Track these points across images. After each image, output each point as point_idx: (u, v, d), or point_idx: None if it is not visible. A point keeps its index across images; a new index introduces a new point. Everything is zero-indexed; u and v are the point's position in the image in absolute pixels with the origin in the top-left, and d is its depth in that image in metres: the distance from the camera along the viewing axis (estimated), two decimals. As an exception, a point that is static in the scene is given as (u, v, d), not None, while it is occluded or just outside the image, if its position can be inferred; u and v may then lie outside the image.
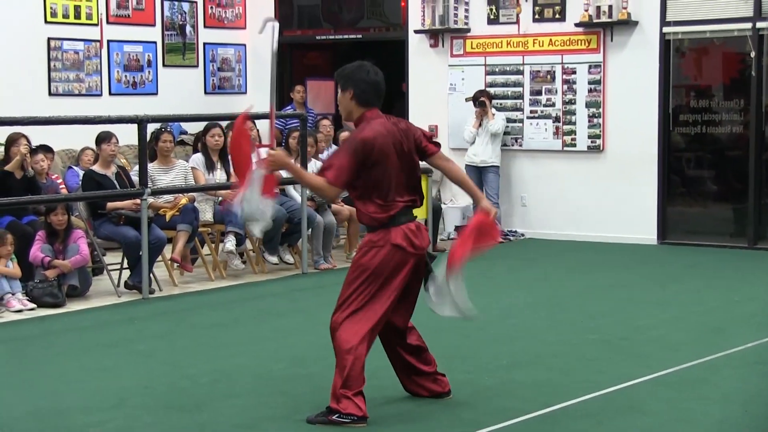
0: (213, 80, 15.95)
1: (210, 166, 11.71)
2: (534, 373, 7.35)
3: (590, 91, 13.82)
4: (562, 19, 13.94)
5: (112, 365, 7.77)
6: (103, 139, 10.86)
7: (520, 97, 14.28)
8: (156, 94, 15.01)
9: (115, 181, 10.78)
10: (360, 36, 15.98)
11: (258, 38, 15.47)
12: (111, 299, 10.34)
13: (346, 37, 16.10)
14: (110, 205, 10.66)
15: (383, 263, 6.22)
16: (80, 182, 11.16)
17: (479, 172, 14.05)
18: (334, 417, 6.17)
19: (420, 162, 6.49)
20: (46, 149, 11.36)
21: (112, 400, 6.78)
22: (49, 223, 10.24)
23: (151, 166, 11.02)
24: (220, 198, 11.62)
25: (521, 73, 14.25)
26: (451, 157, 14.70)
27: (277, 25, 7.01)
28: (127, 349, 8.27)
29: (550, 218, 14.19)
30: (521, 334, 8.60)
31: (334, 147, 13.54)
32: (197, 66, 15.71)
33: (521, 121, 14.30)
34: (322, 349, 8.06)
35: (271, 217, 6.37)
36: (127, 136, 12.32)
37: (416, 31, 14.84)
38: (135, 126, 10.54)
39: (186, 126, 15.03)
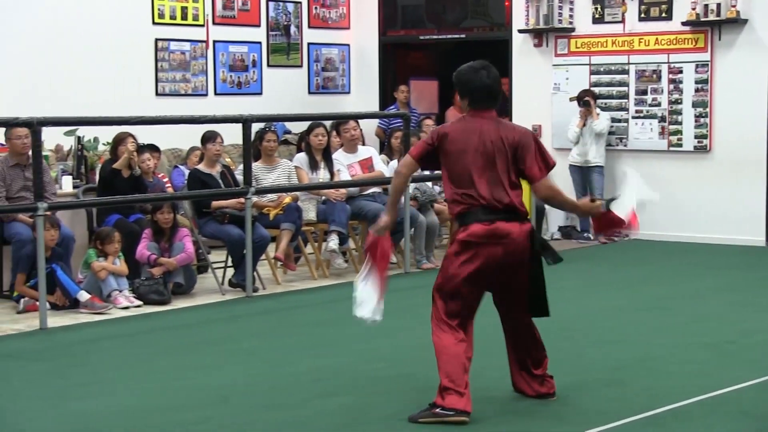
0: (317, 80, 16.03)
1: (313, 166, 11.77)
2: (639, 376, 7.25)
3: (697, 90, 13.60)
4: (669, 17, 13.74)
5: (216, 363, 7.85)
6: (208, 138, 10.97)
7: (625, 96, 14.11)
8: (260, 94, 15.14)
9: (220, 181, 10.89)
10: (464, 36, 15.93)
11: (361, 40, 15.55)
12: (215, 297, 10.44)
13: (449, 37, 16.07)
14: (215, 203, 10.77)
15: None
16: (186, 181, 11.30)
17: (583, 172, 13.92)
18: (437, 410, 6.17)
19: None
20: (152, 149, 11.51)
21: (214, 397, 6.85)
22: (156, 221, 10.38)
23: (256, 166, 11.11)
24: (324, 197, 11.68)
25: (626, 72, 14.08)
26: (556, 156, 14.62)
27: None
28: (231, 347, 8.34)
29: (655, 219, 13.96)
30: (626, 337, 8.49)
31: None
32: (301, 66, 15.81)
33: (626, 120, 14.13)
34: (423, 349, 8.04)
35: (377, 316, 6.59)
36: (231, 135, 12.44)
37: (520, 31, 14.75)
38: (240, 126, 10.63)
39: (290, 125, 15.13)
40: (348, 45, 16.37)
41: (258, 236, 10.57)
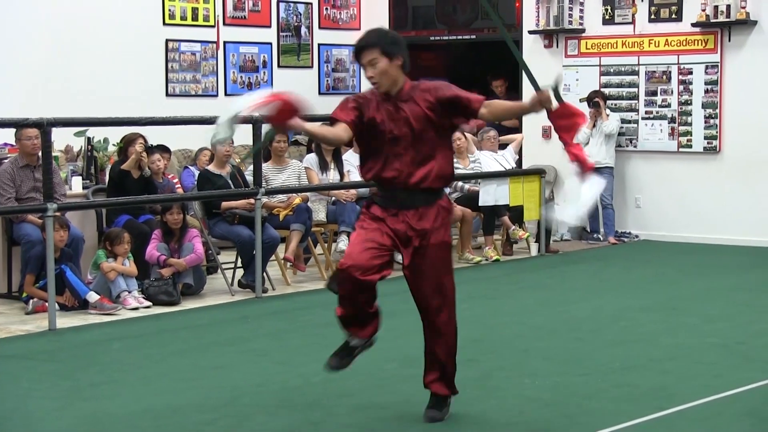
0: (327, 81, 16.04)
1: (323, 166, 11.78)
2: (649, 377, 7.23)
3: (707, 91, 13.58)
4: (679, 19, 13.73)
5: (226, 363, 7.85)
6: (218, 139, 10.96)
7: (635, 97, 14.09)
8: (270, 95, 15.12)
9: (230, 181, 10.90)
10: (474, 37, 15.92)
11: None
12: (225, 298, 10.45)
13: (460, 37, 16.06)
14: (225, 204, 10.78)
15: None
16: (196, 182, 11.31)
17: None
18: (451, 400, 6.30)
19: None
20: (163, 149, 11.52)
21: (225, 398, 6.84)
22: (165, 222, 10.39)
23: (266, 166, 11.11)
24: (334, 198, 11.68)
25: (636, 73, 14.06)
26: (566, 158, 14.61)
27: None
28: (241, 348, 8.34)
29: (665, 220, 13.98)
30: (636, 337, 8.47)
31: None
32: (312, 67, 15.82)
33: (636, 121, 14.11)
34: (433, 349, 8.05)
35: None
36: (241, 136, 12.43)
37: (530, 32, 14.74)
38: (250, 126, 10.63)
39: (300, 126, 15.11)
40: (358, 46, 16.33)
41: (268, 237, 10.57)
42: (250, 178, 10.96)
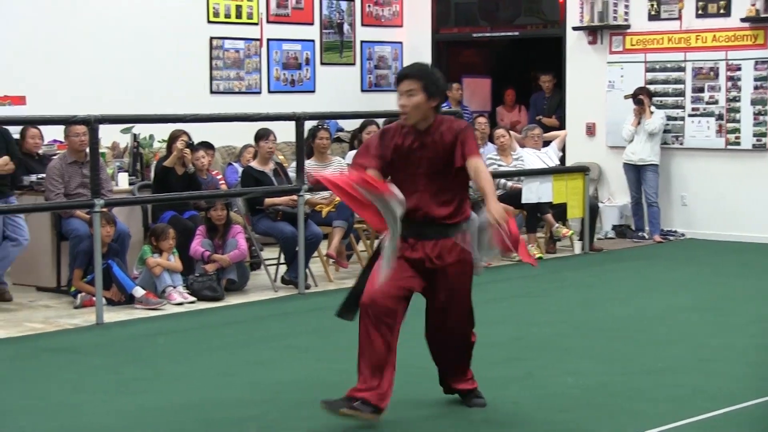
0: (369, 78, 16.05)
1: (366, 164, 11.77)
2: (694, 377, 7.18)
3: (756, 88, 13.46)
4: (727, 14, 13.61)
5: (268, 359, 7.87)
6: (261, 136, 11.02)
7: (681, 94, 13.99)
8: (313, 91, 15.18)
9: (273, 178, 10.93)
10: (517, 33, 15.88)
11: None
12: (268, 294, 10.48)
13: (503, 34, 16.02)
14: (268, 201, 10.81)
15: None
16: (239, 178, 11.35)
17: (637, 171, 13.83)
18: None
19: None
20: (207, 146, 11.58)
21: (267, 393, 6.87)
22: (209, 218, 10.44)
23: (308, 163, 11.14)
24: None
25: (683, 70, 13.96)
26: (610, 155, 14.59)
27: None
28: (283, 344, 8.36)
29: (712, 218, 13.87)
30: (681, 337, 8.42)
31: (490, 145, 13.49)
32: (354, 64, 15.83)
33: (682, 118, 14.01)
34: (477, 347, 8.02)
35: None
36: (284, 133, 12.49)
37: (574, 28, 14.67)
38: (293, 123, 10.66)
39: (343, 123, 15.16)
40: (401, 43, 16.36)
41: (310, 233, 10.59)
42: (293, 174, 10.99)
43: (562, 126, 14.75)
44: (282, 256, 10.95)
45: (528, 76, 16.89)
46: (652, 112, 13.73)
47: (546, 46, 15.56)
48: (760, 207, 13.48)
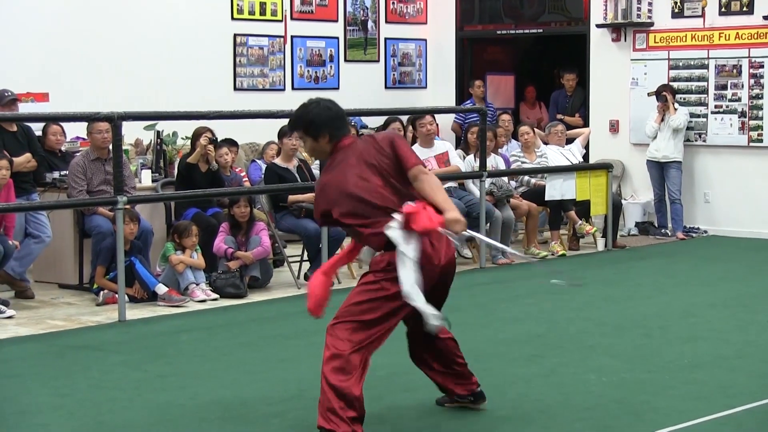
0: (394, 75, 16.06)
1: (389, 161, 11.77)
2: (717, 374, 7.16)
3: (779, 85, 13.43)
4: (750, 11, 13.57)
5: (292, 356, 7.89)
6: (285, 133, 11.03)
7: (704, 91, 13.95)
8: (337, 88, 15.19)
9: (297, 175, 10.94)
10: (541, 30, 15.86)
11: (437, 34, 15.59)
12: (291, 291, 10.50)
13: (527, 31, 16.00)
14: (292, 198, 10.83)
15: None
16: (263, 175, 11.37)
17: (661, 168, 13.80)
18: None
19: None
20: (230, 143, 11.61)
21: (292, 390, 6.89)
22: (233, 215, 10.46)
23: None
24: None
25: (706, 67, 13.92)
26: (633, 152, 14.56)
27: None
28: (307, 341, 8.37)
29: (735, 215, 13.83)
30: (704, 334, 8.40)
31: (513, 142, 13.48)
32: (378, 61, 15.84)
33: (705, 116, 13.97)
34: (499, 344, 8.04)
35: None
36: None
37: (598, 26, 14.64)
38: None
39: (366, 120, 15.16)
40: (425, 40, 16.36)
41: (334, 230, 10.60)
42: (316, 171, 11.00)
43: (585, 124, 14.73)
44: (305, 253, 10.97)
45: (551, 73, 16.87)
46: (676, 109, 13.69)
47: (570, 43, 15.54)
48: (784, 204, 13.45)
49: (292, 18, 14.71)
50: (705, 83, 13.94)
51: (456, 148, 12.95)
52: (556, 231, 12.72)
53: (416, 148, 11.99)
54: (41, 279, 10.77)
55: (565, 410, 6.37)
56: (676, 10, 14.08)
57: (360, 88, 15.29)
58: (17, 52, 12.29)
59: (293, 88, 14.74)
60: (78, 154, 10.73)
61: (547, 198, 12.56)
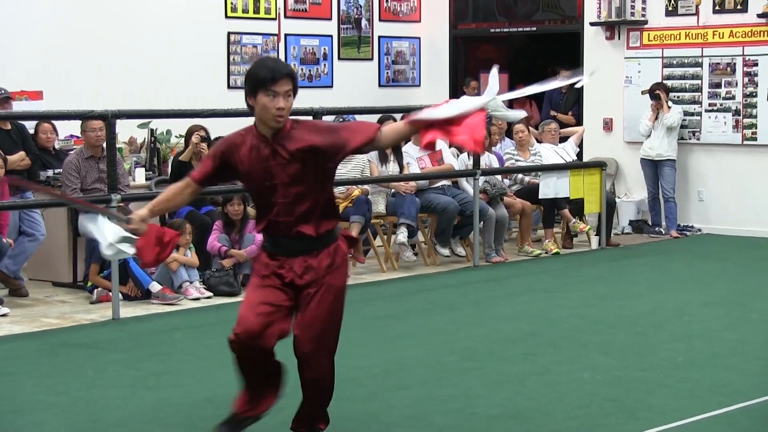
0: (387, 73, 16.05)
1: (383, 159, 11.79)
2: (711, 373, 7.17)
3: (772, 83, 13.45)
4: (744, 10, 13.58)
5: (286, 354, 7.87)
6: (279, 131, 11.01)
7: (698, 90, 13.96)
8: (331, 87, 15.19)
9: (291, 173, 10.92)
10: (535, 29, 15.86)
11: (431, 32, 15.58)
12: (285, 289, 10.47)
13: (520, 30, 16.00)
14: (285, 196, 10.80)
15: None
16: (256, 174, 11.34)
17: (655, 166, 13.81)
18: None
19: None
20: (224, 141, 11.58)
21: (286, 388, 6.87)
22: (226, 213, 10.46)
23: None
24: (393, 190, 11.69)
25: (700, 65, 13.93)
26: (627, 150, 14.58)
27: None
28: (301, 339, 8.36)
29: (729, 213, 13.85)
30: (698, 332, 8.40)
31: (507, 140, 13.48)
32: (372, 59, 15.84)
33: (699, 114, 13.98)
34: (493, 342, 8.04)
35: None
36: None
37: (592, 24, 14.65)
38: (310, 118, 10.66)
39: (360, 118, 15.13)
40: (419, 38, 16.36)
41: (329, 229, 10.58)
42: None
43: (578, 123, 14.73)
44: (299, 252, 10.94)
45: (545, 71, 16.86)
46: (669, 107, 13.70)
47: (564, 41, 15.54)
48: (777, 202, 13.47)
49: (285, 16, 14.70)
50: (699, 81, 13.95)
51: (449, 147, 12.94)
52: (549, 229, 12.73)
53: (410, 146, 12.00)
54: (35, 277, 10.76)
55: (559, 408, 6.37)
56: (670, 8, 14.09)
57: (354, 86, 15.29)
58: (15, 50, 12.27)
59: (287, 86, 14.70)
60: (72, 152, 10.73)
61: (540, 196, 12.57)
